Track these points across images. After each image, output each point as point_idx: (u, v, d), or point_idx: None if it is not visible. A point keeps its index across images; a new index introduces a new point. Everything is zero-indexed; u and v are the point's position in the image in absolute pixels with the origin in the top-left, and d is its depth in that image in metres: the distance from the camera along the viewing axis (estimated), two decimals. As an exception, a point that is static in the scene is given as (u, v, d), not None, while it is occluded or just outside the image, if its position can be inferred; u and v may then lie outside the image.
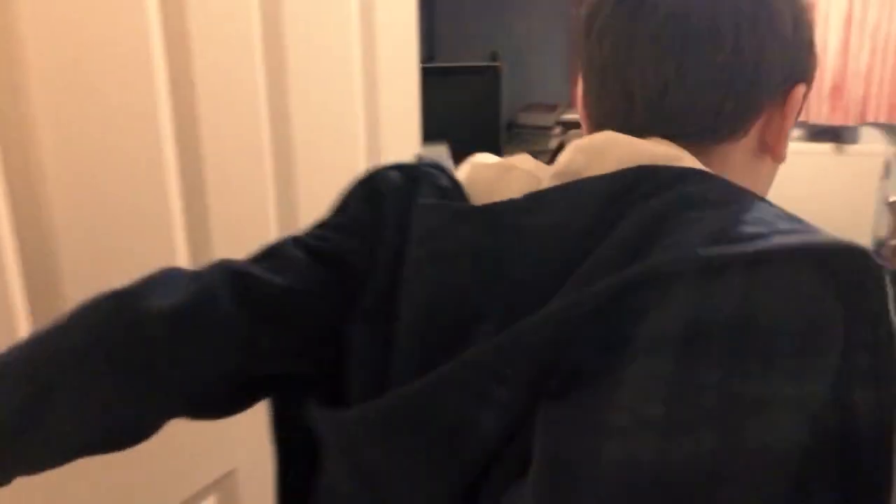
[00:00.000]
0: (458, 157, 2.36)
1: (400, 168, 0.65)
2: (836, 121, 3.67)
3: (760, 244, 0.44)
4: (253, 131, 0.90)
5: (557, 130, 3.52)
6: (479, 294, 0.54)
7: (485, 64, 2.25)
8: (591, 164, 0.55)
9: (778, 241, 0.45)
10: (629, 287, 0.45)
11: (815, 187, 3.74)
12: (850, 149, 3.67)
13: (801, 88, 0.62)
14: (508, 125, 3.52)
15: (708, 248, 0.44)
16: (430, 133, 2.12)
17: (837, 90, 3.64)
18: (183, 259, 0.84)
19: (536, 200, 0.55)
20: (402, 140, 1.20)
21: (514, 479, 0.50)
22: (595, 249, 0.49)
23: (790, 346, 0.42)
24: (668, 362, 0.42)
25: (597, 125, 0.63)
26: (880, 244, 3.76)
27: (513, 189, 0.58)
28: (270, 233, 0.95)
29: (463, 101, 2.26)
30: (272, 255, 0.62)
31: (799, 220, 0.48)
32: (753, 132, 0.61)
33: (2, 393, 0.54)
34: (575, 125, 3.60)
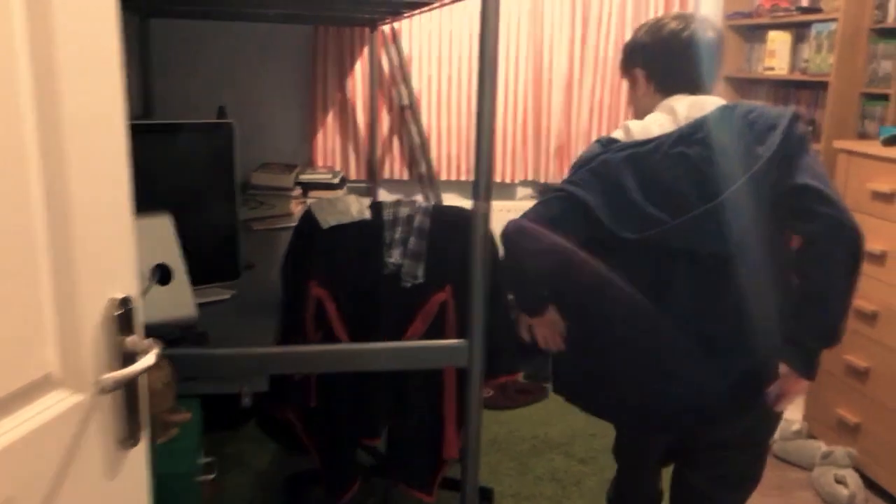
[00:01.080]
0: (192, 222, 1.98)
1: (600, 142, 1.57)
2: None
3: (785, 114, 1.45)
4: None
5: (297, 192, 3.29)
6: (698, 176, 1.42)
7: (214, 121, 1.96)
8: (697, 110, 1.48)
9: (787, 111, 1.46)
10: (777, 149, 1.42)
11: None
12: (577, 205, 3.88)
13: None
14: (243, 186, 3.22)
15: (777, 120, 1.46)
16: (157, 197, 1.79)
17: (562, 150, 3.84)
18: None
19: (697, 127, 1.44)
20: (105, 212, 0.89)
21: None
22: (731, 144, 1.42)
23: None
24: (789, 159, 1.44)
25: (669, 92, 1.56)
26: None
27: (665, 129, 1.49)
28: None
29: (192, 162, 1.95)
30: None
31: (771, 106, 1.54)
32: None
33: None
34: (315, 185, 3.40)
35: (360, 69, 3.63)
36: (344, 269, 1.89)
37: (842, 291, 1.42)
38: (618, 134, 1.55)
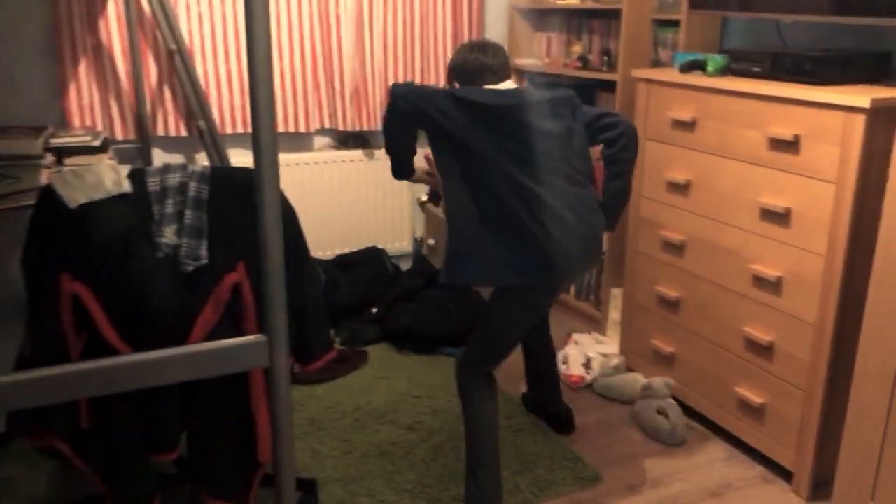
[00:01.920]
0: None
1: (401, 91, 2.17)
2: (362, 125, 3.59)
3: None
4: None
5: (50, 159, 2.75)
6: (509, 110, 2.09)
7: None
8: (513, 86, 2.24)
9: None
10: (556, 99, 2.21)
11: (351, 193, 3.63)
12: (380, 152, 3.64)
13: None
14: (-24, 157, 2.63)
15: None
16: None
17: (358, 94, 3.55)
18: None
19: (522, 90, 2.17)
20: None
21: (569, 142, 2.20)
22: (539, 95, 2.20)
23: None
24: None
25: (473, 83, 2.22)
26: (419, 243, 3.83)
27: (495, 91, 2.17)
28: None
29: None
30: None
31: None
32: None
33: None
34: (72, 150, 2.87)
35: (113, 8, 3.09)
36: (104, 257, 1.52)
37: (631, 167, 2.27)
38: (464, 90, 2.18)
